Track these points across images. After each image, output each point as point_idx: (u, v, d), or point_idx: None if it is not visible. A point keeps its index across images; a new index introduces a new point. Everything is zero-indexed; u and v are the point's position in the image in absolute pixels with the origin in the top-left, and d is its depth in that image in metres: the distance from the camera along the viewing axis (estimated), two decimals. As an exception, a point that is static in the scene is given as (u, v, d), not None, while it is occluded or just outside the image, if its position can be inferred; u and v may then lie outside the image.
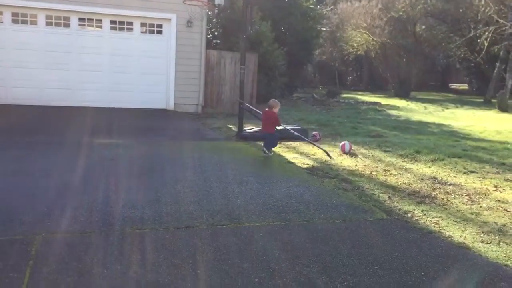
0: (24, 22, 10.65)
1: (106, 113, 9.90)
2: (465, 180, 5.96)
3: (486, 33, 19.23)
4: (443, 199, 5.10)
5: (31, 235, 3.47)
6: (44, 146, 6.72)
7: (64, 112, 9.75)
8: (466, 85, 30.75)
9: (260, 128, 7.65)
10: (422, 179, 5.92)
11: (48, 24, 10.82)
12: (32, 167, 5.51)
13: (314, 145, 7.69)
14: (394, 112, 15.52)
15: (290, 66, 17.09)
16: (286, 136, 7.91)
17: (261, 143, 7.26)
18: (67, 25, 10.90)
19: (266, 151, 6.96)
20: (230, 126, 9.88)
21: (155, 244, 3.47)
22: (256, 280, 2.99)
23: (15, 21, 10.62)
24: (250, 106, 9.46)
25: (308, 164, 6.58)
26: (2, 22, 10.52)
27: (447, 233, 4.06)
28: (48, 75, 10.77)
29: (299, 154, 7.30)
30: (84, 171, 5.49)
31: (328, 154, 7.11)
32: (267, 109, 7.18)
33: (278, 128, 7.31)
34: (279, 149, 7.46)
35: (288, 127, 8.15)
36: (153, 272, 3.02)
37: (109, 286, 2.82)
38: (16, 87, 10.63)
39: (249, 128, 8.87)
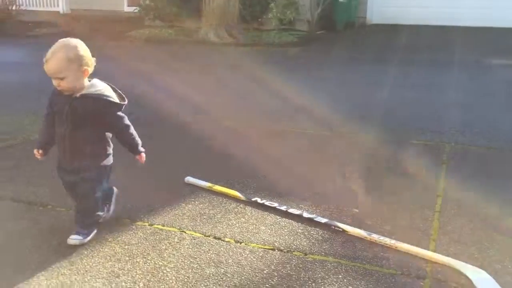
0: None
1: (477, 32, 9.30)
2: None
3: None
4: None
5: (441, 143, 3.80)
6: (426, 64, 6.95)
7: (437, 31, 9.62)
8: None
9: None
10: None
11: None
12: (421, 83, 5.83)
13: None
14: None
15: None
16: None
17: None
18: None
19: None
20: None
21: None
22: None
23: None
24: None
25: None
26: None
27: None
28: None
29: None
30: (483, 91, 5.44)
31: None
32: None
33: None
34: None
35: None
36: None
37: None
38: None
39: None
